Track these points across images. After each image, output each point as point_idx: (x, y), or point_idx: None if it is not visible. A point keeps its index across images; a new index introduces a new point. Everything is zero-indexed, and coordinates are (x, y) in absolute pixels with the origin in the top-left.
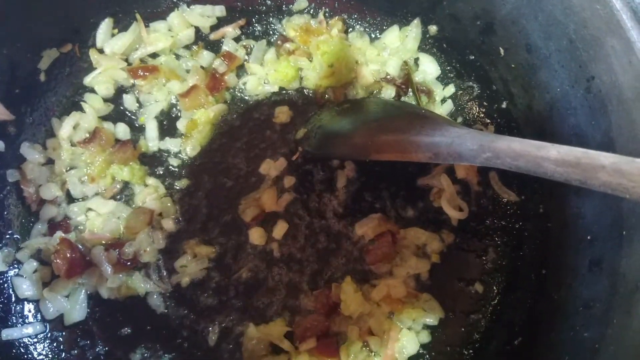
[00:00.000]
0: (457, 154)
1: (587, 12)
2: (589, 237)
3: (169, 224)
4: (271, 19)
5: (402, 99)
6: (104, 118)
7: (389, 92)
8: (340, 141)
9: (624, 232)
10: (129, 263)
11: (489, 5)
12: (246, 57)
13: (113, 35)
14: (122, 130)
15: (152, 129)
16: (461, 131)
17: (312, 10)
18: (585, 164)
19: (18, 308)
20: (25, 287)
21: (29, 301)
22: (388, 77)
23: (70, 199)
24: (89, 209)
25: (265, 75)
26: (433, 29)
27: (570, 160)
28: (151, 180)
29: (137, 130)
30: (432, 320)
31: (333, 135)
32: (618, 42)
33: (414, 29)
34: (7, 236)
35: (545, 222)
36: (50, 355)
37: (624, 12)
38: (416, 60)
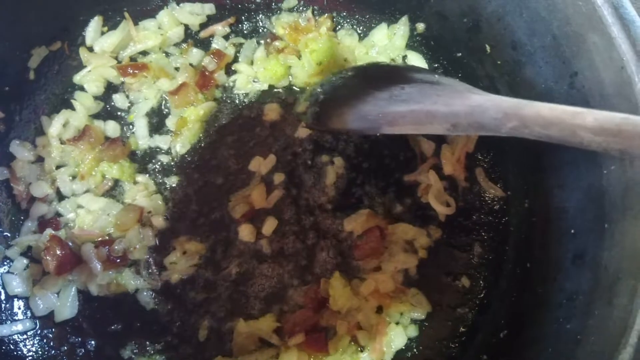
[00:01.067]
0: (478, 124)
1: (570, 9)
2: (572, 231)
3: (158, 221)
4: (260, 16)
5: None
6: (94, 116)
7: None
8: (347, 114)
9: (606, 226)
10: (118, 260)
11: (475, 3)
12: (237, 54)
13: (103, 33)
14: (111, 128)
15: (141, 126)
16: (483, 98)
17: (301, 8)
18: (628, 132)
19: (7, 305)
20: (15, 284)
21: (18, 298)
22: None
23: (61, 196)
24: (79, 206)
25: (254, 73)
26: (420, 26)
27: (610, 129)
28: (141, 178)
29: (127, 127)
30: (419, 314)
31: (338, 108)
32: (599, 38)
33: (402, 27)
34: None
35: (530, 216)
36: (40, 352)
37: (605, 8)
38: (404, 58)
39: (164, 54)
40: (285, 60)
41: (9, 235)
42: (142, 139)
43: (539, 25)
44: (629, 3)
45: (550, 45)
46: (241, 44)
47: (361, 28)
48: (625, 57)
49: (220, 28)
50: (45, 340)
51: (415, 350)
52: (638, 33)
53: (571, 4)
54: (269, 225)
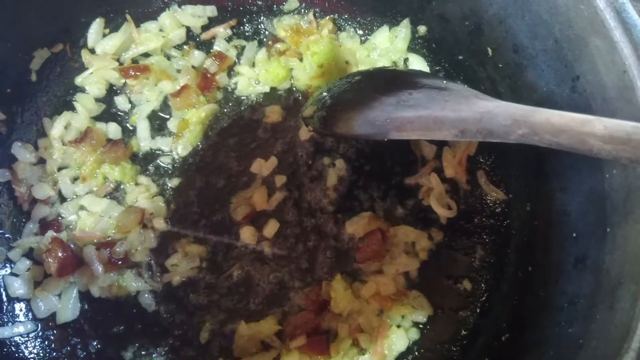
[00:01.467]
0: (486, 130)
1: (572, 12)
2: (574, 235)
3: (160, 223)
4: (262, 19)
5: None
6: (96, 118)
7: None
8: (354, 119)
9: (608, 229)
10: (120, 262)
11: (477, 6)
12: (236, 60)
13: (104, 35)
14: (113, 130)
15: (143, 128)
16: (491, 104)
17: (303, 10)
18: (638, 140)
19: (9, 307)
20: (17, 286)
21: (20, 300)
22: None
23: (62, 198)
24: (81, 208)
25: (256, 75)
26: (422, 29)
27: (620, 137)
28: (142, 180)
29: (129, 129)
30: (421, 317)
31: (345, 113)
32: (602, 42)
33: (404, 30)
34: None
35: (531, 220)
36: (41, 354)
37: (607, 11)
38: (405, 60)
39: (165, 56)
40: (287, 62)
41: (10, 237)
42: (143, 140)
43: (540, 29)
44: (631, 7)
45: (552, 48)
46: (243, 47)
47: (363, 30)
48: (628, 61)
49: (221, 30)
50: (46, 342)
51: (416, 353)
52: None
53: (573, 8)
54: (271, 228)
